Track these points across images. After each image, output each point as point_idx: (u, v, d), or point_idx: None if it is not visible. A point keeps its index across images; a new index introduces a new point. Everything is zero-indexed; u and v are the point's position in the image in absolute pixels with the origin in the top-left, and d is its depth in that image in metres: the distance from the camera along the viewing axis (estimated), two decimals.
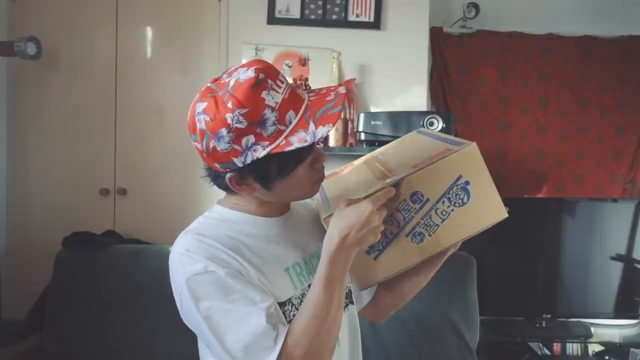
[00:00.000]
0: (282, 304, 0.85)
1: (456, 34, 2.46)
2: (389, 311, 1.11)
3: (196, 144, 0.83)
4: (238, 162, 0.79)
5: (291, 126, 0.78)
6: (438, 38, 2.44)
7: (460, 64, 2.47)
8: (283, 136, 0.77)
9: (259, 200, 0.89)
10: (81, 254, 1.90)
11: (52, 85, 2.22)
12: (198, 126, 0.80)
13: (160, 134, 2.26)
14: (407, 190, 0.83)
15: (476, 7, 2.34)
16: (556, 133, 2.50)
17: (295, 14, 2.19)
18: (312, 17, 2.19)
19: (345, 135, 2.10)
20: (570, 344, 2.19)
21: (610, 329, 2.24)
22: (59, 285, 1.87)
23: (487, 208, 0.86)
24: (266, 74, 0.78)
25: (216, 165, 0.83)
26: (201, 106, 0.79)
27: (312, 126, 0.78)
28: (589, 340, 2.18)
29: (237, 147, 0.78)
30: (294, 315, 0.85)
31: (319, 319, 0.78)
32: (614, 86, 2.49)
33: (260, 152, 0.77)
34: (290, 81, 0.94)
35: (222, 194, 0.95)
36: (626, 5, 2.52)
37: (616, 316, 2.16)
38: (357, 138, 2.05)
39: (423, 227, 0.85)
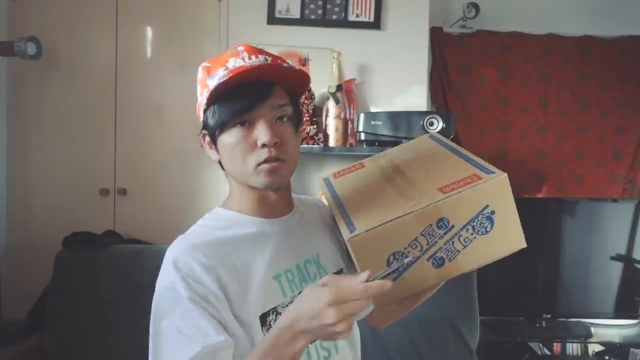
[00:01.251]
0: (265, 314, 0.84)
1: (456, 34, 2.46)
2: (391, 320, 1.09)
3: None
4: (201, 114, 0.88)
5: (220, 80, 0.82)
6: (438, 38, 2.44)
7: (460, 64, 2.47)
8: (209, 89, 0.83)
9: (250, 192, 0.90)
10: (81, 254, 1.90)
11: (52, 85, 2.22)
12: None
13: (160, 134, 2.26)
14: (435, 216, 0.81)
15: (476, 7, 2.34)
16: (556, 133, 2.50)
17: (295, 14, 2.19)
18: (312, 17, 2.19)
19: (345, 135, 2.10)
20: (570, 344, 2.20)
21: (610, 329, 2.24)
22: (59, 285, 1.87)
23: (508, 237, 0.86)
24: (247, 49, 0.87)
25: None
26: None
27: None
28: (589, 340, 2.18)
29: (200, 98, 0.88)
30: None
31: None
32: (614, 86, 2.49)
33: (202, 105, 0.86)
34: None
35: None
36: (626, 5, 2.52)
37: (616, 316, 2.16)
38: (357, 138, 2.05)
39: (444, 252, 0.84)
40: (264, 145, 0.82)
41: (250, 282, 0.84)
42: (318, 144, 2.08)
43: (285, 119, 0.86)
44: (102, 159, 2.23)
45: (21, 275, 2.21)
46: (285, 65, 0.86)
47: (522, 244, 0.87)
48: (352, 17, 2.20)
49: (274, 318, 0.84)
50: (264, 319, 0.84)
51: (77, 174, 2.23)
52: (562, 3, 2.52)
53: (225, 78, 0.80)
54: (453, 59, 2.46)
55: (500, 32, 2.47)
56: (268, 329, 0.83)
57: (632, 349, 2.01)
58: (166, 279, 0.82)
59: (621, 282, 2.12)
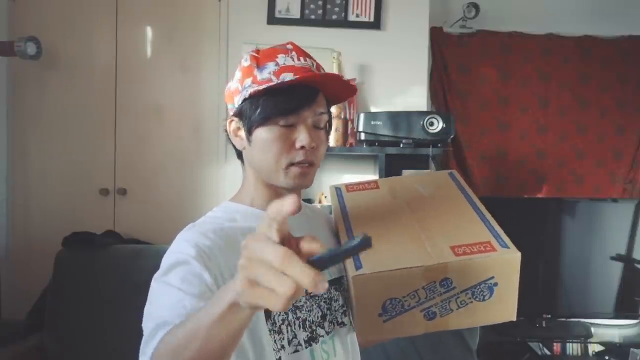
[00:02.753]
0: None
1: (456, 34, 2.46)
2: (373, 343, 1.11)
3: (225, 90, 0.94)
4: (236, 101, 0.88)
5: (279, 81, 0.84)
6: (438, 38, 2.44)
7: (460, 64, 2.47)
8: (267, 85, 0.83)
9: (264, 188, 0.91)
10: (81, 254, 1.90)
11: (52, 85, 2.22)
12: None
13: (160, 134, 2.26)
14: (440, 275, 0.81)
15: (476, 7, 2.34)
16: (556, 133, 2.50)
17: (295, 14, 2.19)
18: (312, 17, 2.19)
19: (345, 135, 2.10)
20: (570, 344, 2.19)
21: (610, 329, 2.24)
22: (58, 285, 1.87)
23: (502, 309, 0.86)
24: (295, 48, 0.91)
25: (228, 109, 0.92)
26: None
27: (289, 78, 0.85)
28: (589, 340, 2.18)
29: (239, 86, 0.88)
30: (281, 320, 0.84)
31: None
32: (614, 86, 2.49)
33: (248, 91, 0.85)
34: None
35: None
36: (626, 5, 2.52)
37: (616, 316, 2.16)
38: (357, 138, 2.05)
39: (438, 308, 0.84)
40: (302, 148, 0.85)
41: None
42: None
43: (321, 127, 0.90)
44: (102, 159, 2.23)
45: (21, 275, 2.21)
46: (344, 79, 0.91)
47: (513, 317, 0.87)
48: (352, 17, 2.20)
49: (279, 313, 0.84)
50: (268, 313, 0.83)
51: (77, 174, 2.23)
52: (562, 3, 2.52)
53: (293, 78, 0.83)
54: (453, 59, 2.46)
55: (500, 32, 2.47)
56: (273, 324, 0.83)
57: (632, 349, 2.01)
58: (174, 248, 0.85)
59: (621, 282, 2.12)
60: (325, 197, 2.13)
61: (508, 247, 0.82)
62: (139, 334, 0.83)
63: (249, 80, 0.86)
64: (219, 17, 2.23)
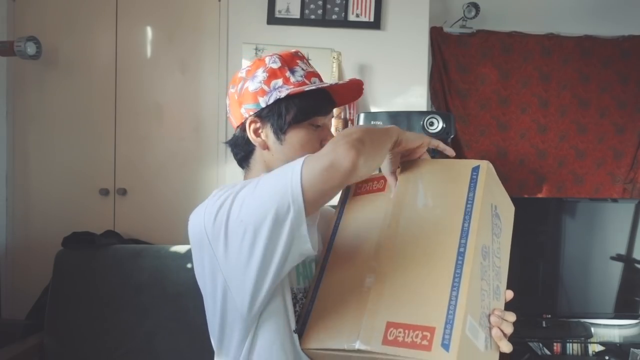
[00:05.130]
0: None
1: (456, 34, 2.46)
2: None
3: (231, 90, 0.95)
4: (262, 101, 0.89)
5: (314, 85, 0.89)
6: (438, 38, 2.44)
7: (460, 64, 2.47)
8: (307, 87, 0.88)
9: None
10: (81, 253, 1.90)
11: (52, 85, 2.22)
12: (239, 75, 0.94)
13: (160, 134, 2.26)
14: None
15: (476, 7, 2.34)
16: (556, 133, 2.50)
17: (295, 13, 2.19)
18: (312, 17, 2.19)
19: None
20: (570, 344, 2.19)
21: (610, 329, 2.24)
22: (58, 285, 1.87)
23: None
24: (303, 55, 0.95)
25: (241, 110, 0.92)
26: (247, 64, 0.96)
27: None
28: (589, 340, 2.17)
29: (265, 87, 0.89)
30: (293, 304, 0.86)
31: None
32: (614, 86, 2.49)
33: (284, 92, 0.88)
34: None
35: None
36: (626, 5, 2.52)
37: (616, 316, 2.16)
38: None
39: None
40: None
41: None
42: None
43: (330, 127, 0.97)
44: (102, 159, 2.23)
45: (21, 275, 2.21)
46: (362, 86, 0.98)
47: None
48: (352, 17, 2.20)
49: (294, 297, 0.87)
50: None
51: (77, 174, 2.23)
52: (562, 3, 2.52)
53: (335, 84, 0.90)
54: (453, 59, 2.46)
55: (500, 32, 2.47)
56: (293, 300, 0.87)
57: (632, 349, 2.01)
58: (209, 202, 0.86)
59: (621, 282, 2.12)
60: None
61: (447, 352, 0.68)
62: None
63: (279, 82, 0.89)
64: (219, 17, 2.23)
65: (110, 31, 2.22)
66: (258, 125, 0.91)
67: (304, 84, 0.89)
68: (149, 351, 1.77)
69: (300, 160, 0.73)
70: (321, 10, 2.19)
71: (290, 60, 0.92)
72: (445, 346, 0.68)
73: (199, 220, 0.84)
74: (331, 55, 2.15)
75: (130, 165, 2.24)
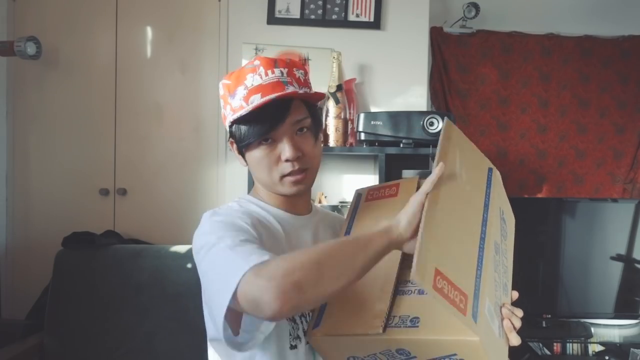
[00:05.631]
0: None
1: (456, 34, 2.46)
2: None
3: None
4: (227, 126, 0.94)
5: (249, 107, 0.86)
6: (438, 38, 2.44)
7: (460, 64, 2.47)
8: (238, 113, 0.88)
9: (279, 196, 0.96)
10: (81, 254, 1.90)
11: (52, 85, 2.22)
12: None
13: (160, 134, 2.26)
14: (393, 345, 0.76)
15: (476, 7, 2.34)
16: (556, 133, 2.50)
17: (295, 13, 2.19)
18: (312, 17, 2.19)
19: (345, 135, 2.10)
20: (570, 344, 2.19)
21: (610, 329, 2.24)
22: (58, 285, 1.87)
23: None
24: (262, 62, 0.89)
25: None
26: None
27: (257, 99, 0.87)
28: (589, 340, 2.17)
29: (224, 112, 0.93)
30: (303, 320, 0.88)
31: (323, 254, 0.73)
32: (614, 86, 2.49)
33: (228, 121, 0.92)
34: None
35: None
36: (626, 5, 2.52)
37: (616, 316, 2.16)
38: (357, 138, 2.05)
39: None
40: (287, 160, 0.89)
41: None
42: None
43: (305, 130, 0.91)
44: (102, 159, 2.23)
45: (21, 275, 2.21)
46: (301, 91, 0.90)
47: None
48: (352, 17, 2.20)
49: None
50: None
51: (77, 174, 2.23)
52: (562, 3, 2.52)
53: (244, 112, 0.87)
54: (453, 59, 2.46)
55: (500, 32, 2.47)
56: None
57: (632, 349, 2.01)
58: (218, 216, 0.86)
59: (621, 282, 2.12)
60: (325, 197, 2.13)
61: (475, 323, 0.70)
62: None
63: (228, 108, 0.91)
64: (219, 17, 2.23)
65: (110, 31, 2.22)
66: (234, 146, 0.96)
67: (241, 108, 0.88)
68: (149, 351, 1.77)
69: (238, 275, 0.69)
70: (321, 10, 2.19)
71: (236, 81, 0.89)
72: (474, 317, 0.70)
73: (200, 227, 0.88)
74: (331, 55, 2.15)
75: (130, 165, 2.24)
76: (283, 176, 0.90)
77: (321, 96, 0.96)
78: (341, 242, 0.77)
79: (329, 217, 1.09)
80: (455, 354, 0.73)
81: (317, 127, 0.95)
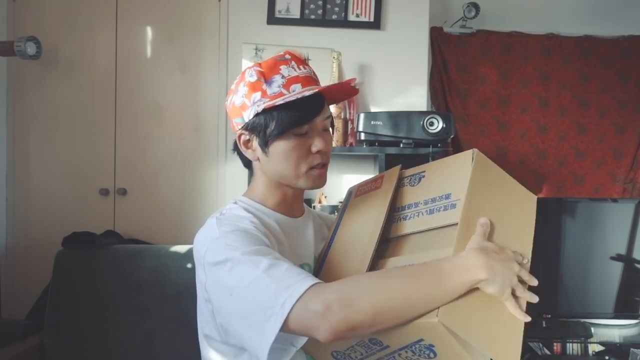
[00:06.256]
0: None
1: (456, 34, 2.46)
2: None
3: (226, 102, 0.97)
4: (245, 116, 0.90)
5: (293, 94, 0.87)
6: (438, 38, 2.44)
7: (460, 64, 2.47)
8: (282, 98, 0.86)
9: (275, 190, 0.96)
10: (81, 254, 1.90)
11: (52, 85, 2.22)
12: (231, 87, 0.95)
13: (160, 134, 2.26)
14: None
15: (476, 7, 2.35)
16: (556, 133, 2.50)
17: (295, 14, 2.19)
18: (312, 17, 2.19)
19: (345, 135, 2.10)
20: (570, 344, 2.19)
21: (610, 329, 2.24)
22: (58, 285, 1.86)
23: None
24: (292, 57, 0.92)
25: (233, 123, 0.94)
26: (247, 64, 0.95)
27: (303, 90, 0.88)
28: (589, 340, 2.17)
29: (247, 101, 0.89)
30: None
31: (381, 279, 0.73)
32: (614, 86, 2.49)
33: (261, 107, 0.88)
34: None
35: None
36: (626, 5, 2.52)
37: (616, 316, 2.16)
38: (357, 138, 2.05)
39: None
40: (318, 152, 0.90)
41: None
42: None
43: (328, 129, 0.95)
44: (102, 159, 2.23)
45: (21, 275, 2.21)
46: (350, 86, 0.96)
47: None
48: (352, 17, 2.20)
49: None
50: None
51: (77, 174, 2.23)
52: (562, 3, 2.52)
53: (292, 97, 0.86)
54: (453, 59, 2.46)
55: (500, 32, 2.47)
56: None
57: (632, 349, 2.01)
58: (226, 228, 0.85)
59: (621, 282, 2.12)
60: (325, 197, 2.13)
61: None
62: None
63: (257, 95, 0.89)
64: (219, 17, 2.23)
65: (110, 31, 2.22)
66: (247, 138, 0.93)
67: (280, 94, 0.87)
68: (149, 351, 1.77)
69: (293, 297, 0.70)
70: (321, 10, 2.19)
71: (270, 70, 0.89)
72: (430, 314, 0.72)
73: (199, 251, 0.87)
74: (331, 55, 2.15)
75: (130, 165, 2.24)
76: (310, 168, 0.91)
77: (355, 93, 1.02)
78: (413, 275, 0.72)
79: (322, 215, 1.12)
80: (422, 339, 0.72)
81: (332, 129, 1.00)
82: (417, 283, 0.70)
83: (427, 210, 0.87)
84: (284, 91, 0.88)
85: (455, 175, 0.88)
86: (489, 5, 2.41)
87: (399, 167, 1.03)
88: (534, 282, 0.80)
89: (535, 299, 0.81)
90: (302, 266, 0.93)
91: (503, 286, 0.74)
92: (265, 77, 0.89)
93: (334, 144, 2.07)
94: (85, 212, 2.21)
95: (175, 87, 2.26)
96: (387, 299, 0.70)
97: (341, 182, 2.23)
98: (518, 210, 0.90)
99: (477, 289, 0.73)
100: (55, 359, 1.80)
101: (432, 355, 0.73)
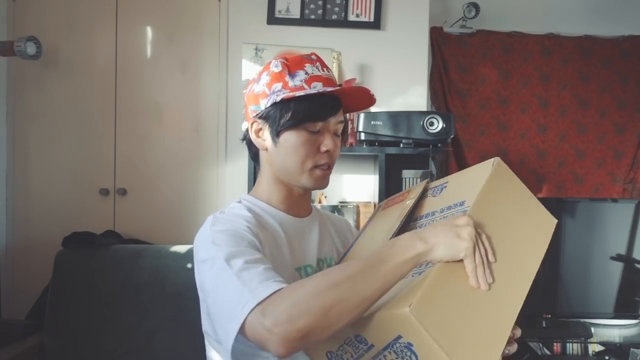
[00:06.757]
0: None
1: (456, 34, 2.46)
2: None
3: (244, 90, 0.98)
4: (262, 104, 0.92)
5: (314, 89, 0.89)
6: (438, 38, 2.44)
7: (460, 64, 2.47)
8: (302, 92, 0.88)
9: (281, 186, 0.96)
10: (81, 253, 1.90)
11: (52, 85, 2.22)
12: (251, 77, 0.96)
13: (160, 134, 2.26)
14: (350, 331, 0.75)
15: (476, 7, 2.35)
16: (556, 133, 2.50)
17: (295, 13, 2.19)
18: (312, 17, 2.19)
19: (345, 135, 2.10)
20: (570, 344, 2.19)
21: (610, 329, 2.24)
22: (59, 285, 1.87)
23: None
24: (318, 59, 0.95)
25: (248, 111, 0.95)
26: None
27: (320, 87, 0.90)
28: (589, 340, 2.17)
29: (267, 90, 0.91)
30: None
31: (330, 283, 0.70)
32: (614, 86, 2.49)
33: (280, 96, 0.89)
34: None
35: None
36: (626, 5, 2.52)
37: (616, 316, 2.16)
38: (357, 138, 2.05)
39: None
40: (326, 151, 0.92)
41: (276, 263, 0.87)
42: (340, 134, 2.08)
43: (339, 134, 0.97)
44: (102, 159, 2.23)
45: (21, 275, 2.21)
46: (370, 93, 0.96)
47: None
48: (352, 17, 2.20)
49: None
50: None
51: (77, 174, 2.23)
52: (562, 3, 2.52)
53: (312, 91, 0.88)
54: (453, 59, 2.46)
55: (500, 32, 2.47)
56: None
57: (632, 349, 2.01)
58: (220, 226, 0.85)
59: (621, 282, 2.12)
60: (325, 197, 2.13)
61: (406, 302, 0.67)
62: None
63: (278, 85, 0.90)
64: (219, 17, 2.23)
65: (110, 31, 2.22)
66: (260, 127, 0.94)
67: (301, 88, 0.89)
68: (149, 351, 1.77)
69: (245, 311, 0.70)
70: (321, 10, 2.19)
71: (296, 64, 0.92)
72: (400, 304, 0.70)
73: (194, 248, 0.89)
74: (331, 55, 2.15)
75: (130, 165, 2.24)
76: (316, 166, 0.92)
77: (373, 102, 1.00)
78: (355, 266, 0.71)
79: (332, 217, 1.11)
80: (399, 336, 0.69)
81: (344, 136, 1.01)
82: (359, 272, 0.70)
83: (440, 218, 0.86)
84: (305, 86, 0.90)
85: (473, 183, 0.86)
86: (489, 5, 2.41)
87: (426, 180, 1.03)
88: (492, 258, 0.74)
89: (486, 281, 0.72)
90: (304, 268, 0.93)
91: (449, 248, 0.70)
92: (290, 69, 0.91)
93: None
94: (85, 212, 2.21)
95: (175, 87, 2.26)
96: (333, 294, 0.68)
97: (341, 182, 2.23)
98: (532, 230, 0.85)
99: (460, 286, 0.71)
100: (55, 359, 1.80)
101: (413, 357, 0.70)
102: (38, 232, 2.21)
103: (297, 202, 0.98)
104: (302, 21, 2.19)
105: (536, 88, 2.49)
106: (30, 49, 2.04)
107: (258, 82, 0.94)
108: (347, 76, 2.19)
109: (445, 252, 0.71)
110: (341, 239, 1.07)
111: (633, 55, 2.49)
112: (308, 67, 0.92)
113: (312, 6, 2.18)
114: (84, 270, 1.88)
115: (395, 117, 1.97)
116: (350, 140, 2.12)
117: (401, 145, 1.98)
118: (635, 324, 2.26)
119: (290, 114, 0.89)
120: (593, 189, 2.49)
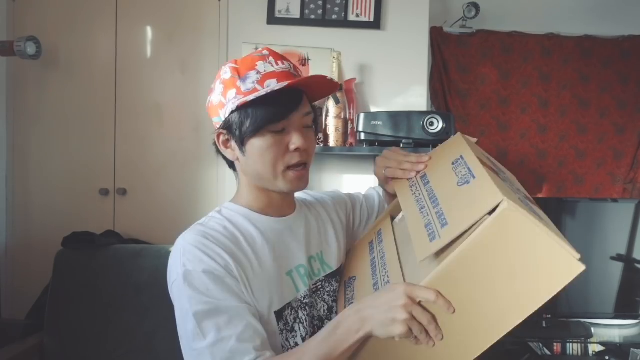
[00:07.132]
0: (281, 310, 0.86)
1: (456, 34, 2.46)
2: None
3: (207, 104, 0.94)
4: (222, 114, 0.89)
5: (267, 88, 0.84)
6: (438, 38, 2.44)
7: (460, 64, 2.47)
8: (254, 94, 0.84)
9: (259, 194, 0.93)
10: (81, 254, 1.90)
11: (52, 85, 2.22)
12: (211, 86, 0.92)
13: (160, 134, 2.26)
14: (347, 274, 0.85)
15: (476, 7, 2.35)
16: (556, 133, 2.50)
17: (295, 13, 2.18)
18: (312, 17, 2.19)
19: (345, 135, 2.10)
20: (570, 344, 2.19)
21: (610, 329, 2.24)
22: (58, 285, 1.87)
23: None
24: (271, 53, 0.90)
25: (213, 123, 0.93)
26: None
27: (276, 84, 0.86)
28: (589, 340, 2.17)
29: (223, 99, 0.88)
30: (293, 319, 0.87)
31: None
32: (614, 86, 2.49)
33: (235, 104, 0.86)
34: None
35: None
36: (626, 5, 2.52)
37: (616, 316, 2.16)
38: (357, 138, 2.04)
39: None
40: (296, 150, 0.87)
41: (263, 276, 0.86)
42: (318, 144, 2.08)
43: (309, 125, 0.92)
44: (102, 159, 2.23)
45: (21, 275, 2.21)
46: (328, 78, 0.92)
47: None
48: (352, 17, 2.20)
49: (290, 313, 0.87)
50: (280, 314, 0.86)
51: (77, 174, 2.23)
52: (562, 3, 2.52)
53: (262, 93, 0.84)
54: (453, 59, 2.46)
55: (500, 32, 2.47)
56: (285, 324, 0.86)
57: (632, 349, 2.01)
58: (191, 263, 0.84)
59: (621, 282, 2.12)
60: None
61: None
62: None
63: (232, 92, 0.87)
64: (219, 17, 2.23)
65: (110, 31, 2.22)
66: (226, 137, 0.91)
67: (254, 91, 0.85)
68: (149, 351, 1.77)
69: None
70: (321, 10, 2.19)
71: (246, 66, 0.88)
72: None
73: (173, 266, 0.91)
74: (331, 55, 2.15)
75: (130, 165, 2.24)
76: (288, 168, 0.88)
77: (337, 86, 0.97)
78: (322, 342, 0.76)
79: (315, 207, 1.08)
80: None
81: (316, 126, 0.97)
82: (325, 347, 0.75)
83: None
84: (258, 87, 0.85)
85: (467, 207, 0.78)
86: (489, 5, 2.41)
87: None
88: (434, 333, 0.72)
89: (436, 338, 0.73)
90: (297, 269, 0.92)
91: (385, 330, 0.72)
92: (240, 73, 0.87)
93: (333, 144, 2.06)
94: (85, 212, 2.21)
95: (175, 87, 2.26)
96: None
97: (341, 182, 2.23)
98: (528, 284, 0.74)
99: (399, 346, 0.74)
100: (55, 359, 1.80)
101: None
102: (38, 232, 2.21)
103: (280, 204, 0.96)
104: (302, 21, 2.19)
105: (536, 88, 2.49)
106: (30, 49, 2.04)
107: (214, 92, 0.90)
108: (347, 76, 2.19)
109: (383, 332, 0.72)
110: (339, 216, 1.08)
111: (633, 55, 2.49)
112: (260, 65, 0.87)
113: (312, 6, 2.18)
114: (84, 270, 1.88)
115: (395, 117, 1.97)
116: (350, 140, 2.12)
117: (401, 145, 1.98)
118: (636, 324, 2.26)
119: (249, 120, 0.85)
120: (593, 189, 2.49)
